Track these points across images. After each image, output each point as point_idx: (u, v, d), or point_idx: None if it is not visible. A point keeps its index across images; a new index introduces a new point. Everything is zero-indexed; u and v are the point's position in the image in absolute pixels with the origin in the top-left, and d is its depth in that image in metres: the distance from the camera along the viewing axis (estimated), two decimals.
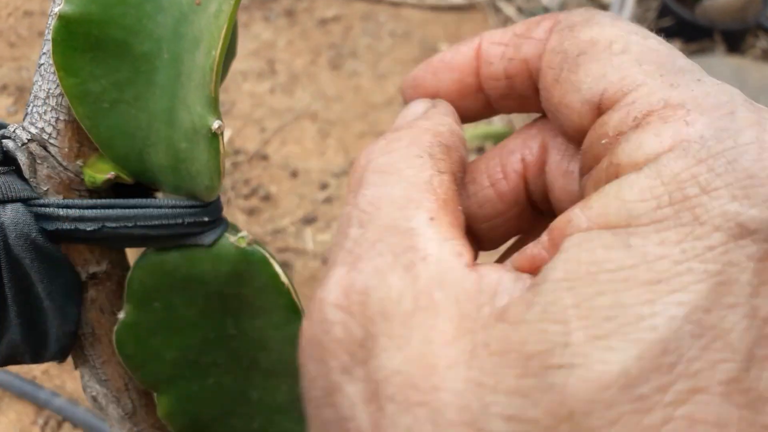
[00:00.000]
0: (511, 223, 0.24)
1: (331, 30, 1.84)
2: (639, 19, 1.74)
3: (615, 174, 0.17)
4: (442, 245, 0.17)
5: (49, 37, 0.27)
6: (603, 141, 0.18)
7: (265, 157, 1.47)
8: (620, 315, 0.14)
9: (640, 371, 0.14)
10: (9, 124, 0.29)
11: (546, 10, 1.85)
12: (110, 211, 0.28)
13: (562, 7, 1.81)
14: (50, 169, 0.28)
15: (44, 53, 0.28)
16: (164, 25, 0.27)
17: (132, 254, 0.32)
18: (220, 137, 0.26)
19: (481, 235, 0.24)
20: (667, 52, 0.19)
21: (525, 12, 1.90)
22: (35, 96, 0.29)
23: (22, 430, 0.98)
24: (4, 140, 0.28)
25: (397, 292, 0.16)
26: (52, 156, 0.28)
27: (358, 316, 0.17)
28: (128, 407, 0.34)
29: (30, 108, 0.29)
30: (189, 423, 0.34)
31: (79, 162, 0.28)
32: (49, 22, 0.27)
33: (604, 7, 1.85)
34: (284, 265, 1.24)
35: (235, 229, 0.30)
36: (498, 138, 1.54)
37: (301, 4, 1.91)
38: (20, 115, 1.58)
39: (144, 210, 0.28)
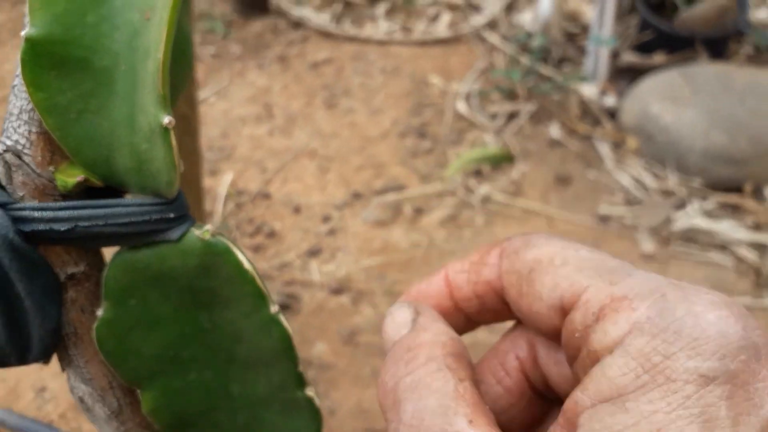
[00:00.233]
0: (525, 413, 0.28)
1: (324, 72, 1.90)
2: (620, 35, 1.79)
3: (595, 358, 0.21)
4: None
5: (19, 58, 0.30)
6: (576, 335, 0.22)
7: (267, 196, 1.50)
8: None
9: None
10: None
11: (529, 35, 1.89)
12: (82, 212, 0.30)
13: (545, 31, 1.85)
14: (25, 176, 0.31)
15: (17, 75, 0.31)
16: (119, 41, 0.30)
17: (108, 255, 0.34)
18: (171, 132, 0.28)
19: (504, 428, 0.28)
20: (598, 257, 0.24)
21: (509, 39, 1.95)
22: (10, 113, 0.31)
23: None
24: None
25: None
26: (26, 164, 0.30)
27: None
28: (114, 405, 0.35)
29: (6, 124, 0.31)
30: (174, 419, 0.36)
31: (51, 168, 0.31)
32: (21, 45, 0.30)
33: (584, 28, 1.89)
34: (292, 297, 1.26)
35: (199, 226, 0.33)
36: (494, 160, 1.57)
37: (293, 50, 1.98)
38: None
39: (113, 209, 0.31)
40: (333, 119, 1.72)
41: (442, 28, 2.06)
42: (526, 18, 2.02)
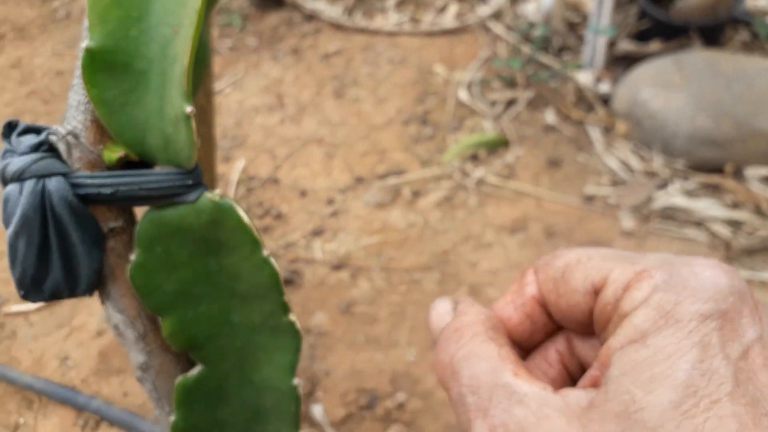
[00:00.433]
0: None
1: (334, 63, 1.99)
2: (619, 24, 1.86)
3: (624, 317, 0.27)
4: (531, 386, 0.27)
5: (79, 63, 0.40)
6: (608, 307, 0.28)
7: (276, 181, 1.60)
8: (657, 376, 0.25)
9: (680, 397, 0.24)
10: (52, 126, 0.42)
11: (532, 25, 1.97)
12: (122, 179, 0.41)
13: (547, 22, 1.93)
14: (81, 152, 0.41)
15: (76, 77, 0.41)
16: (154, 49, 0.40)
17: (140, 214, 0.44)
18: (192, 118, 0.38)
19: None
20: (616, 251, 0.31)
21: (513, 29, 2.03)
22: (69, 105, 0.42)
23: (64, 430, 1.11)
24: (50, 136, 0.41)
25: (523, 417, 0.27)
26: (82, 144, 0.41)
27: None
28: (141, 330, 0.46)
29: (67, 113, 0.41)
30: (187, 342, 0.46)
31: (100, 147, 0.41)
32: (79, 54, 0.40)
33: (585, 18, 1.97)
34: (295, 273, 1.37)
35: (210, 191, 0.43)
36: (490, 145, 1.66)
37: (306, 42, 2.07)
38: None
39: (145, 177, 0.41)
40: (341, 108, 1.82)
41: (449, 18, 2.14)
42: (530, 8, 2.09)
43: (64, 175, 0.40)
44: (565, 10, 1.98)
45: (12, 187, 0.41)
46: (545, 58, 1.88)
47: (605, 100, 1.73)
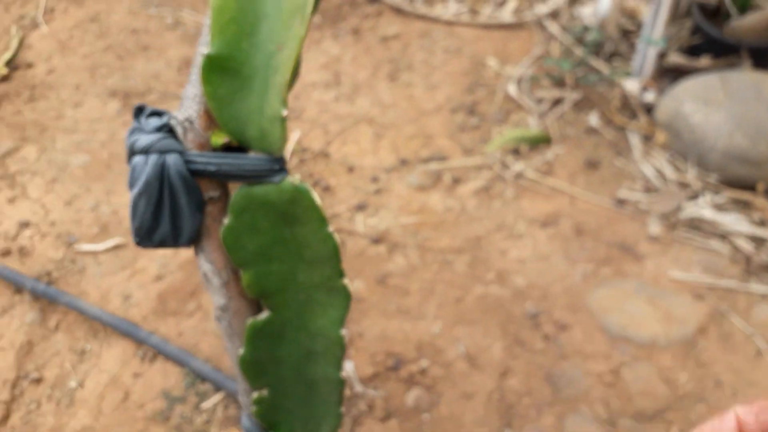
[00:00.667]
0: None
1: (392, 46, 2.08)
2: (672, 36, 1.90)
3: None
4: None
5: (198, 64, 0.51)
6: None
7: (327, 155, 1.71)
8: None
9: None
10: (172, 112, 0.53)
11: (586, 29, 2.02)
12: (224, 160, 0.52)
13: (602, 27, 1.98)
14: (194, 136, 0.52)
15: (193, 74, 0.52)
16: (260, 59, 0.50)
17: (233, 189, 0.55)
18: (285, 120, 0.49)
19: None
20: None
21: (568, 30, 2.08)
22: (185, 96, 0.53)
23: (125, 360, 1.25)
24: (171, 120, 0.52)
25: None
26: (195, 129, 0.52)
27: None
28: (224, 278, 0.57)
29: (184, 103, 0.53)
30: (260, 292, 0.58)
31: (209, 133, 0.52)
32: (197, 57, 0.51)
33: (640, 26, 2.01)
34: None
35: (292, 175, 0.54)
36: (533, 141, 1.74)
37: (367, 23, 2.16)
38: (126, 117, 1.88)
39: (242, 160, 0.52)
40: (393, 91, 1.91)
41: (507, 13, 2.20)
42: (586, 11, 2.14)
43: (180, 152, 0.52)
44: (620, 17, 2.03)
45: (139, 158, 0.52)
46: (596, 62, 1.93)
47: (649, 109, 1.79)
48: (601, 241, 1.48)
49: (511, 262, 1.44)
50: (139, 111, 0.54)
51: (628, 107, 1.81)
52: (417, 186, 1.63)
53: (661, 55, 1.85)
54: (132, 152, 0.53)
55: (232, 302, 0.58)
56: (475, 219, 1.54)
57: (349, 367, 1.20)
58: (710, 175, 1.58)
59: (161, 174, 0.52)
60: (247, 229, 0.55)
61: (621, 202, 1.56)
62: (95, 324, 1.30)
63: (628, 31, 2.04)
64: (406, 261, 1.45)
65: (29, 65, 2.04)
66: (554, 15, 2.18)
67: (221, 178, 0.54)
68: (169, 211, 0.53)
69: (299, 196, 0.53)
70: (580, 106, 1.85)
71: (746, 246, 1.43)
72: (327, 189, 1.63)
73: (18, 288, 1.37)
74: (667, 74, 1.86)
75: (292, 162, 1.70)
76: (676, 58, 1.85)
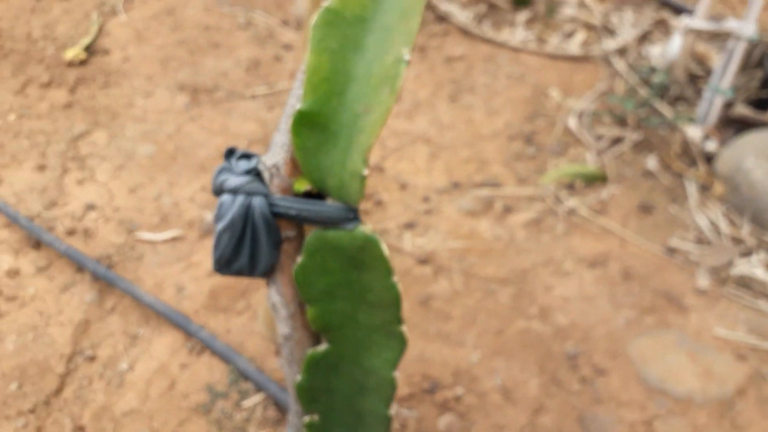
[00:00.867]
0: None
1: (455, 67, 2.10)
2: (740, 87, 1.88)
3: None
4: None
5: (289, 116, 0.55)
6: None
7: (381, 170, 1.75)
8: None
9: None
10: (261, 156, 0.57)
11: (653, 70, 2.01)
12: (304, 205, 0.56)
13: (670, 69, 1.97)
14: (279, 180, 0.56)
15: (283, 123, 0.56)
16: (347, 117, 0.54)
17: (308, 231, 0.59)
18: (365, 179, 0.52)
19: None
20: None
21: (635, 69, 2.08)
22: (275, 144, 0.57)
23: (174, 349, 1.31)
24: (259, 164, 0.56)
25: None
26: (281, 174, 0.56)
27: None
28: (292, 310, 0.61)
29: (272, 150, 0.57)
30: (323, 327, 0.62)
31: (292, 179, 0.56)
32: (289, 109, 0.55)
33: (708, 72, 1.99)
34: None
35: (364, 224, 0.57)
36: (589, 178, 1.74)
37: (433, 42, 2.19)
38: (193, 111, 1.95)
39: (320, 207, 0.56)
40: (453, 112, 1.94)
41: (574, 45, 2.21)
42: (655, 51, 2.13)
43: (265, 195, 0.56)
44: (690, 61, 2.01)
45: (227, 197, 0.57)
46: (660, 105, 1.92)
47: (709, 158, 1.77)
48: (648, 288, 1.48)
49: (555, 299, 1.45)
50: (230, 153, 0.59)
51: (688, 154, 1.80)
52: (467, 210, 1.65)
53: (728, 105, 1.84)
54: (220, 191, 0.57)
55: (295, 332, 0.62)
56: (523, 251, 1.56)
57: None
58: (766, 233, 1.57)
59: (246, 214, 0.56)
60: (317, 269, 0.59)
61: (672, 251, 1.56)
62: (148, 311, 1.37)
63: (696, 76, 2.02)
64: (450, 285, 1.48)
65: (106, 51, 2.13)
66: (622, 51, 2.17)
67: (300, 221, 0.58)
68: (249, 247, 0.58)
69: (369, 245, 0.57)
70: (640, 147, 1.84)
71: None
72: (379, 203, 1.67)
73: (80, 267, 1.44)
74: (732, 125, 1.84)
75: None
76: (742, 110, 1.83)
